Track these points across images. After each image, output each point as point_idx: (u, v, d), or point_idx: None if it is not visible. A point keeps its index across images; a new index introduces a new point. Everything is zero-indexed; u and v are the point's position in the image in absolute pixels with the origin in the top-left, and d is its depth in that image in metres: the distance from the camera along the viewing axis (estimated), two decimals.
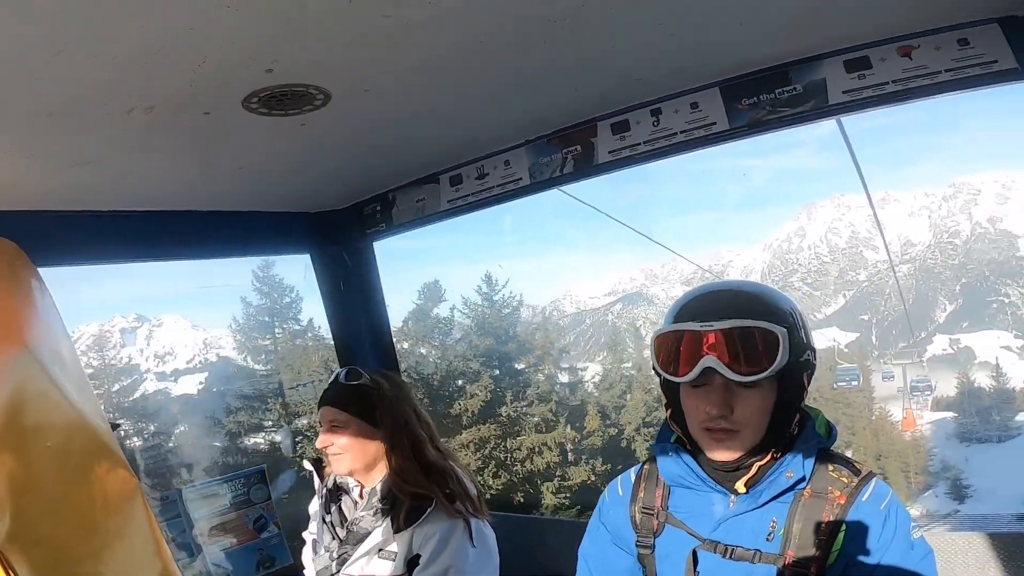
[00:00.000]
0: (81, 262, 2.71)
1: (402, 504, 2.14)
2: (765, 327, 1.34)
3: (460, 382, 29.59)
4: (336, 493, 2.32)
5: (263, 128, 2.00)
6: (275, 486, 3.49)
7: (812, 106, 2.13)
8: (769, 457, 1.42)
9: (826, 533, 1.37)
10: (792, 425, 1.45)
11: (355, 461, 2.21)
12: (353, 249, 3.32)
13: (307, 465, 2.38)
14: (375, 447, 2.22)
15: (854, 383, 43.43)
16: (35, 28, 1.26)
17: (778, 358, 1.33)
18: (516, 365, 31.57)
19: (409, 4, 1.43)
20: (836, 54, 2.08)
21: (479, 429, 27.74)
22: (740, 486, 1.43)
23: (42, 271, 2.05)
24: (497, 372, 30.38)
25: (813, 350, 1.47)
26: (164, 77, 1.58)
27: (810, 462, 1.43)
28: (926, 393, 47.76)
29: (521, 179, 2.63)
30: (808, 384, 1.46)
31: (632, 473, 1.68)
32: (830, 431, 1.52)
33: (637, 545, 1.58)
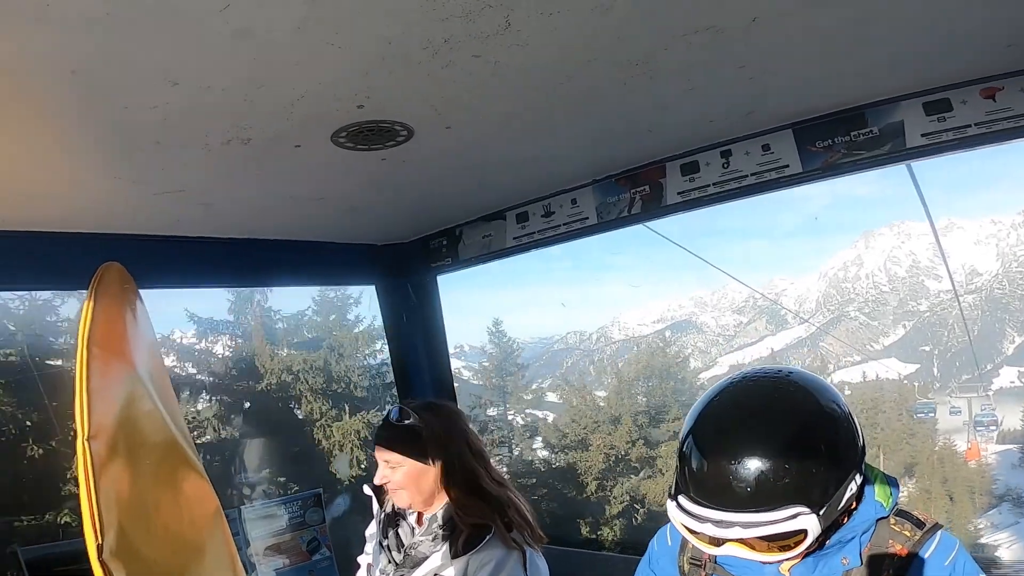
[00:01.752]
0: (170, 285, 2.86)
1: (461, 532, 2.15)
2: (792, 528, 1.17)
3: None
4: (394, 518, 2.34)
5: (346, 162, 2.07)
6: (330, 510, 3.55)
7: (889, 149, 2.08)
8: (818, 543, 1.32)
9: None
10: (843, 517, 1.34)
11: (412, 497, 2.22)
12: (417, 282, 3.39)
13: (367, 490, 2.40)
14: (431, 482, 2.22)
15: (931, 415, 46.80)
16: (155, 58, 1.34)
17: (805, 544, 1.20)
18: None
19: (500, 47, 1.47)
20: (915, 96, 2.03)
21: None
22: (784, 571, 1.38)
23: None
24: None
25: (860, 467, 1.29)
26: (264, 110, 1.65)
27: (867, 538, 1.35)
28: (991, 428, 49.80)
29: (588, 218, 2.64)
30: (858, 493, 1.31)
31: None
32: (891, 493, 1.40)
33: None
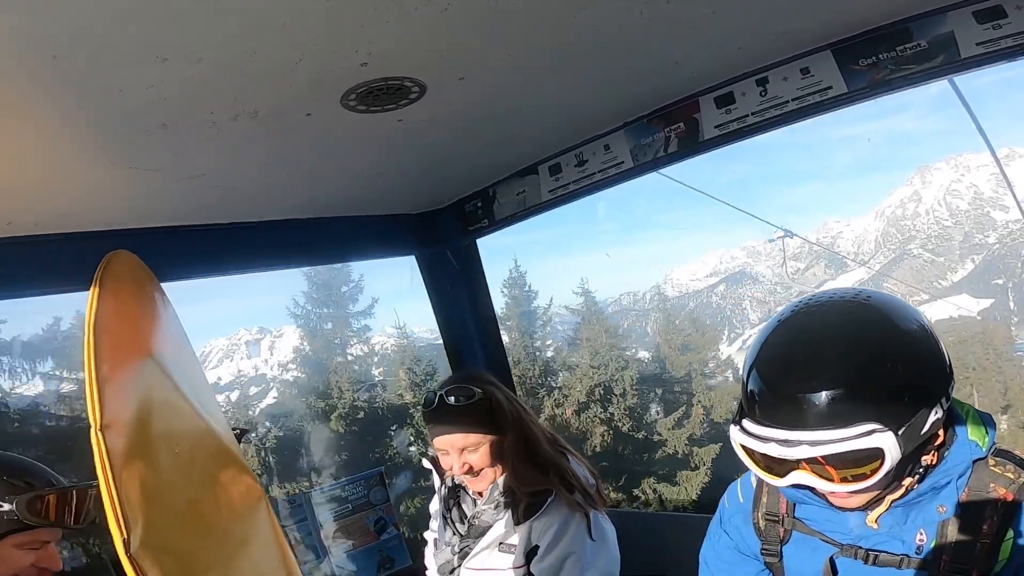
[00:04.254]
0: (197, 275, 2.84)
1: (522, 499, 2.14)
2: (865, 446, 1.07)
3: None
4: (455, 491, 2.33)
5: (363, 126, 2.01)
6: (392, 487, 3.58)
7: (942, 60, 1.92)
8: (905, 489, 1.23)
9: (989, 536, 1.19)
10: (930, 455, 1.22)
11: (496, 474, 2.19)
12: (457, 248, 3.33)
13: (426, 463, 2.40)
14: (504, 452, 2.20)
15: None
16: (140, 35, 1.29)
17: (883, 469, 1.09)
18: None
19: None
20: (963, 5, 1.87)
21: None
22: (871, 521, 1.28)
23: (166, 287, 2.13)
24: None
25: (947, 394, 1.18)
26: (264, 78, 1.59)
27: (964, 482, 1.23)
28: None
29: (623, 162, 2.54)
30: (941, 423, 1.18)
31: (753, 477, 1.53)
32: (987, 432, 1.27)
33: (763, 553, 1.47)
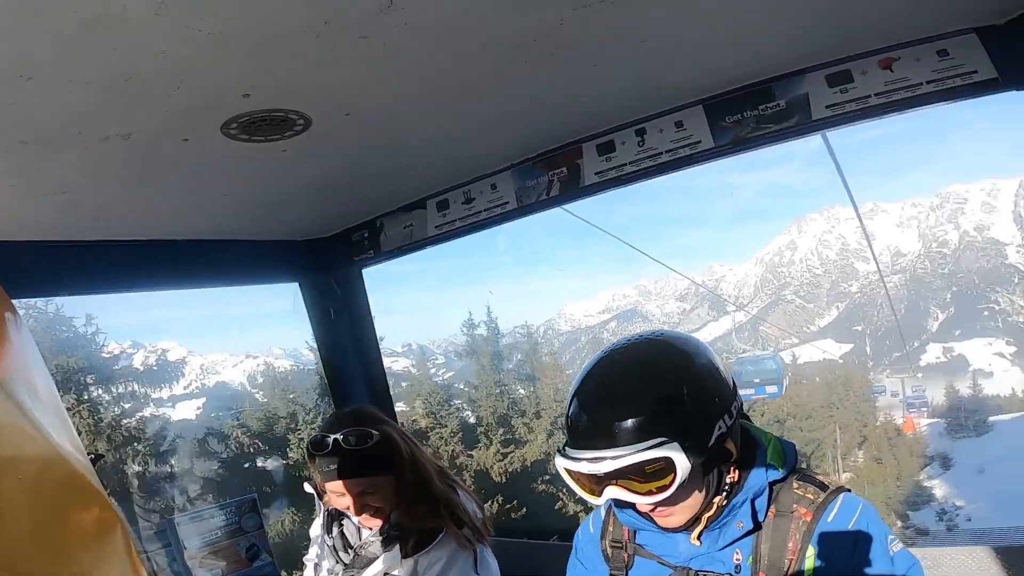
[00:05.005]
0: (64, 293, 2.69)
1: (412, 534, 2.11)
2: (655, 456, 1.23)
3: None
4: (338, 516, 2.27)
5: (244, 155, 1.97)
6: (268, 514, 3.41)
7: (796, 121, 2.11)
8: (716, 508, 1.39)
9: (794, 552, 1.34)
10: (732, 473, 1.39)
11: (389, 511, 2.14)
12: (342, 277, 3.29)
13: (308, 488, 2.31)
14: (400, 491, 2.15)
15: (882, 394, 57.83)
16: (3, 52, 1.23)
17: (677, 478, 1.24)
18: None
19: (386, 27, 1.41)
20: (818, 68, 2.07)
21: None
22: (693, 539, 1.42)
23: (27, 301, 1.99)
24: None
25: (730, 412, 1.35)
26: (139, 103, 1.54)
27: (763, 502, 1.39)
28: (922, 409, 57.67)
29: (508, 203, 2.61)
30: (735, 441, 1.38)
31: (603, 509, 1.66)
32: (785, 457, 1.45)
33: None
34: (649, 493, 1.27)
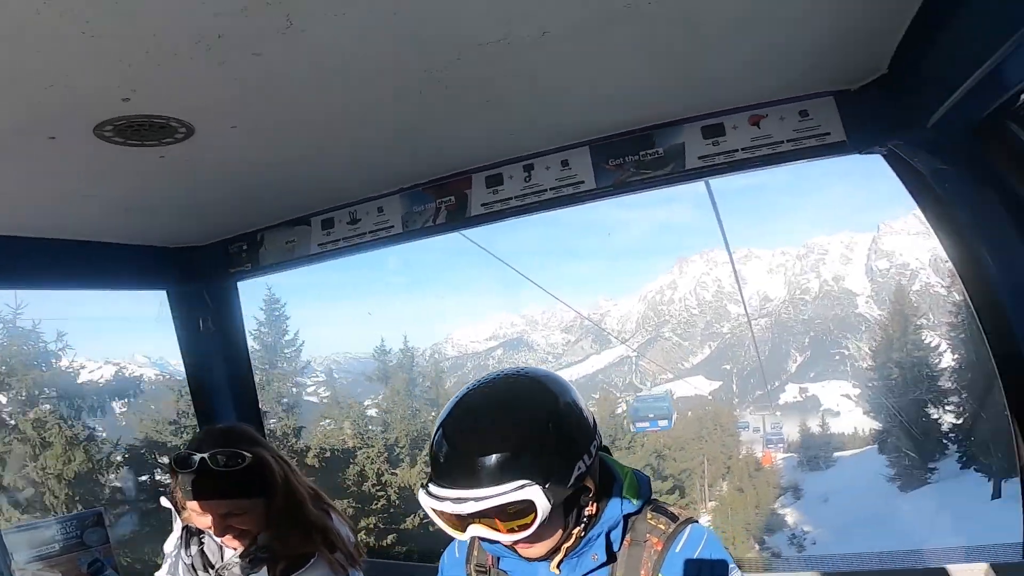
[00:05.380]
0: None
1: (282, 559, 2.03)
2: (518, 499, 1.25)
3: None
4: (198, 533, 2.15)
5: (116, 158, 1.89)
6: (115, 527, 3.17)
7: (671, 169, 2.25)
8: (575, 538, 1.44)
9: None
10: (590, 506, 1.44)
11: (255, 533, 2.05)
12: (215, 288, 3.17)
13: (165, 503, 2.17)
14: (270, 516, 2.06)
15: (746, 429, 63.79)
16: None
17: (538, 518, 1.27)
18: None
19: (283, 46, 1.42)
20: (695, 120, 2.22)
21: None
22: (553, 567, 1.46)
23: None
24: None
25: (589, 451, 1.39)
26: (6, 98, 1.48)
27: (617, 534, 1.46)
28: (779, 444, 62.84)
29: (393, 227, 2.62)
30: (594, 476, 1.42)
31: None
32: (640, 490, 1.52)
33: None
34: (511, 531, 1.30)
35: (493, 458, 1.27)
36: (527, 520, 1.28)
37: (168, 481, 2.07)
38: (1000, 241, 2.07)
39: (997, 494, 36.50)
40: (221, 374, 3.28)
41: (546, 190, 2.39)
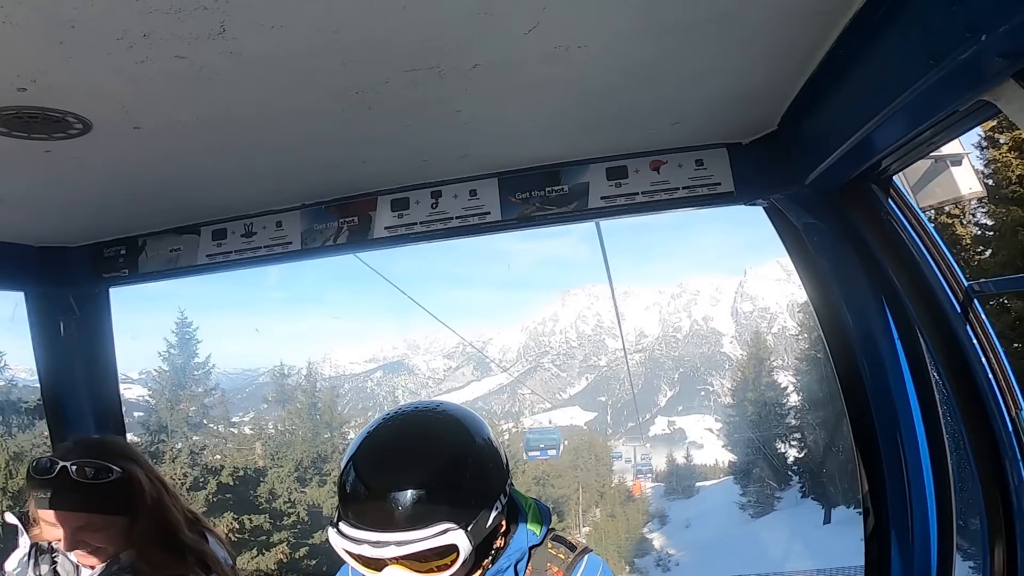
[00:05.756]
0: None
1: None
2: (442, 543, 1.24)
3: None
4: (49, 551, 1.97)
5: None
6: None
7: (575, 207, 2.33)
8: (482, 569, 1.46)
9: None
10: (499, 540, 1.48)
11: (113, 552, 1.89)
12: (84, 293, 2.91)
13: (10, 519, 1.99)
14: (134, 535, 1.91)
15: (618, 459, 69.10)
16: None
17: (460, 559, 1.28)
18: None
19: (210, 52, 1.37)
20: (601, 161, 2.31)
21: None
22: None
23: None
24: None
25: (505, 491, 1.41)
26: None
27: (523, 565, 1.50)
28: (648, 474, 66.25)
29: (291, 243, 2.54)
30: (505, 512, 1.44)
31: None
32: (542, 520, 1.57)
33: None
34: (430, 572, 1.29)
35: (415, 500, 1.25)
36: (448, 561, 1.28)
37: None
38: (854, 292, 2.32)
39: (828, 520, 42.08)
40: (83, 386, 3.01)
41: (452, 218, 2.40)
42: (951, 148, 2.52)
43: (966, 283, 2.03)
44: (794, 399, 47.99)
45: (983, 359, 2.00)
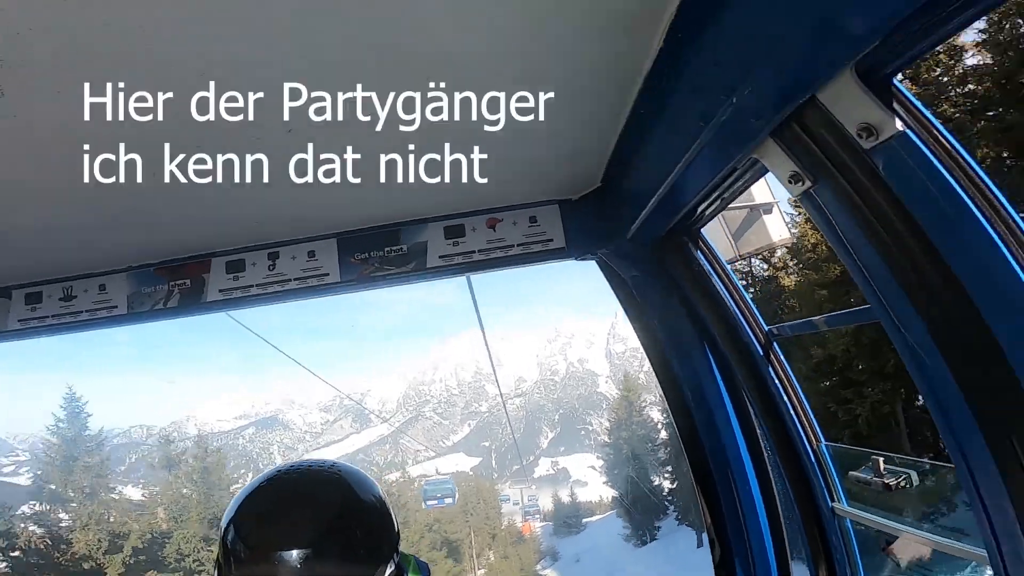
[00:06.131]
0: None
1: None
2: None
3: None
4: None
5: None
6: None
7: (414, 266, 2.34)
8: None
9: None
10: None
11: None
12: None
13: None
14: None
15: (507, 502, 69.44)
16: None
17: None
18: None
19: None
20: (439, 219, 2.32)
21: None
22: None
23: None
24: None
25: (396, 550, 1.38)
26: None
27: None
28: (536, 514, 70.13)
29: (117, 307, 2.40)
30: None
31: None
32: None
33: None
34: None
35: (305, 557, 1.20)
36: None
37: None
38: (680, 339, 2.47)
39: (700, 544, 45.02)
40: None
41: (290, 280, 2.35)
42: (763, 197, 2.78)
43: (766, 327, 2.23)
44: (664, 434, 51.33)
45: (784, 397, 2.21)
